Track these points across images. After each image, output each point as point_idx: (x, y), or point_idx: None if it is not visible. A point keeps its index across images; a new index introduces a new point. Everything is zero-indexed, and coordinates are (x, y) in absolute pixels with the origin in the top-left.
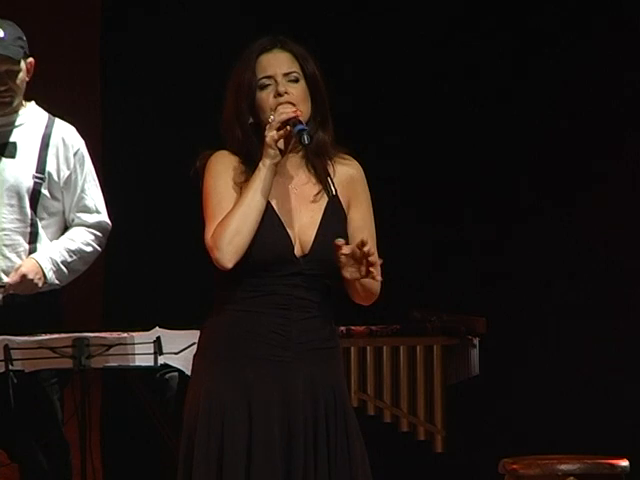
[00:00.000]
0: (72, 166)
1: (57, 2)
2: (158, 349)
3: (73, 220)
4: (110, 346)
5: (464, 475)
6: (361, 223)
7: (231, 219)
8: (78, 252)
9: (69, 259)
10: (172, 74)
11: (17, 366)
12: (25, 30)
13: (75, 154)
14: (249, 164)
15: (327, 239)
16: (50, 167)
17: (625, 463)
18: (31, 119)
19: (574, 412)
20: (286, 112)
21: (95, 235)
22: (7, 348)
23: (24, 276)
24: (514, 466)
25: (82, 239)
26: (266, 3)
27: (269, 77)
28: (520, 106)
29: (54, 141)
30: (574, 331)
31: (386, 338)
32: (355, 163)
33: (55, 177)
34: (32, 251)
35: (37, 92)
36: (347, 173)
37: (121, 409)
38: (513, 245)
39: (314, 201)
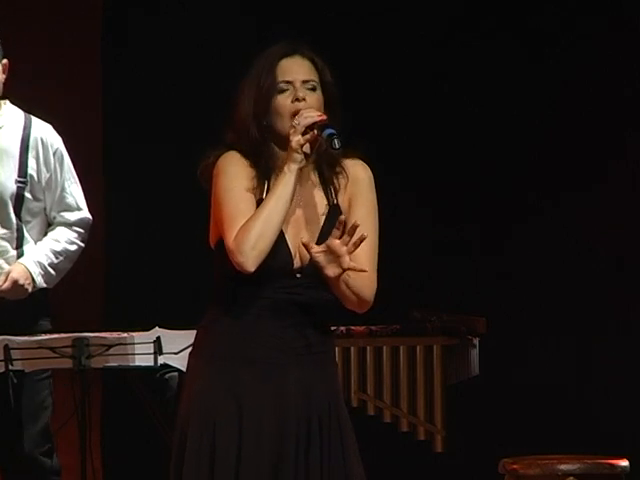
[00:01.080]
0: (52, 166)
1: (57, 2)
2: (158, 349)
3: (55, 218)
4: (110, 346)
5: (464, 475)
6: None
7: (254, 223)
8: (64, 252)
9: (55, 261)
10: (172, 74)
11: (17, 366)
12: (25, 30)
13: (54, 154)
14: (259, 167)
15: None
16: (31, 170)
17: (625, 463)
18: (9, 121)
19: (574, 412)
20: (311, 116)
21: (78, 232)
22: (7, 348)
23: (16, 282)
24: (514, 466)
25: (66, 238)
26: (266, 3)
27: (288, 82)
28: (520, 106)
29: (33, 143)
30: (574, 331)
31: (386, 338)
32: (362, 165)
33: (36, 179)
34: (19, 255)
35: (37, 92)
36: (354, 174)
37: (121, 409)
38: (513, 245)
39: (315, 212)
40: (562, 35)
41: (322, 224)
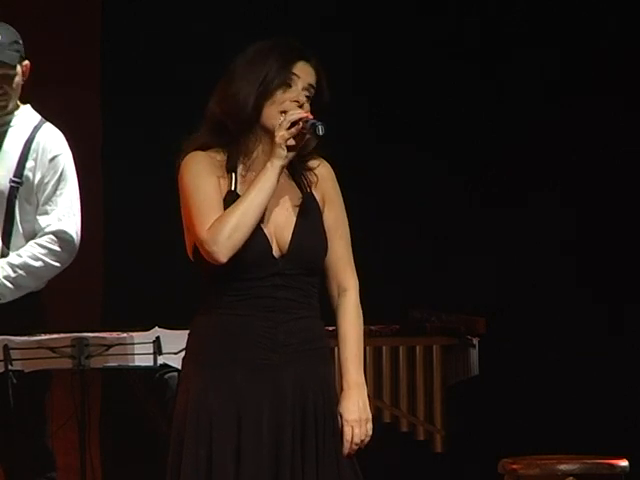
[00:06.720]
0: (45, 170)
1: (57, 2)
2: (157, 349)
3: (35, 223)
4: (110, 346)
5: (464, 475)
6: (334, 223)
7: (232, 215)
8: (24, 267)
9: (12, 274)
10: (172, 74)
11: (17, 366)
12: (25, 29)
13: (52, 159)
14: (228, 156)
15: (304, 238)
16: (28, 171)
17: (625, 463)
18: (21, 122)
19: (574, 412)
20: (297, 112)
21: (48, 249)
22: (6, 348)
23: None
24: (514, 466)
25: (29, 253)
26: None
27: (297, 82)
28: (520, 106)
29: (35, 145)
30: (574, 331)
31: (385, 338)
32: (324, 163)
33: (31, 181)
34: (4, 254)
35: (37, 92)
36: (318, 173)
37: (121, 409)
38: (513, 245)
39: (289, 201)
40: (562, 35)
41: (297, 213)
